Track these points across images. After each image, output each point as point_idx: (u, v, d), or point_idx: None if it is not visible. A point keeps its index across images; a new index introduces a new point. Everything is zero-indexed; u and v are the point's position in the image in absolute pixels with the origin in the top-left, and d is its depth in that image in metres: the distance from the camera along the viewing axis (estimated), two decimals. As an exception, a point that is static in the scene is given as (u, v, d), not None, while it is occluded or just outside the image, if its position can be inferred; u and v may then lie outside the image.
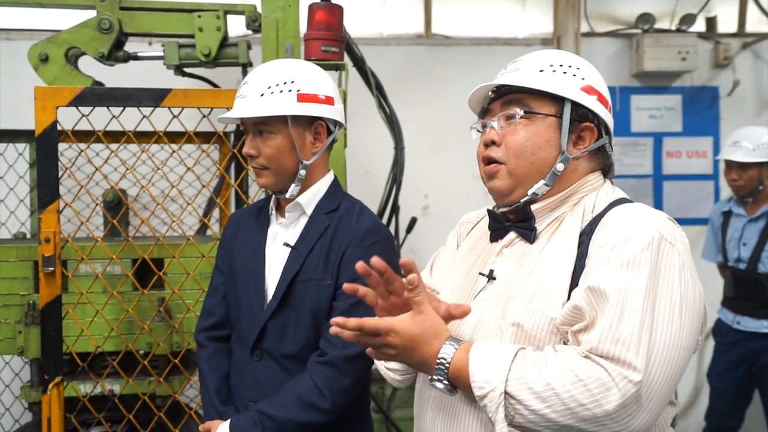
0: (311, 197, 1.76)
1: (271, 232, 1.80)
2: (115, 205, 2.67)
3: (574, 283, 1.19)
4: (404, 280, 1.17)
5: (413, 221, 3.34)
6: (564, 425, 1.06)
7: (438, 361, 1.15)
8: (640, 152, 4.32)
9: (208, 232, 3.11)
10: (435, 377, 1.16)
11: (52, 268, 2.17)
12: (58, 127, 2.21)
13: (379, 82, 3.00)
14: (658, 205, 4.27)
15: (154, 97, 2.23)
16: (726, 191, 3.90)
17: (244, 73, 2.95)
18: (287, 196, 1.74)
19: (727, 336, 3.32)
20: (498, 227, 1.36)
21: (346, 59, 2.64)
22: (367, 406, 1.88)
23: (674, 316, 1.10)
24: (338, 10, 2.49)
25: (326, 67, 2.00)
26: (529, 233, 1.29)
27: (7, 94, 3.51)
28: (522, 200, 1.30)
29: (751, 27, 4.43)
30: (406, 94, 3.83)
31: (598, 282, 1.11)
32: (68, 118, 2.28)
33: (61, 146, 2.36)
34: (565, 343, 1.16)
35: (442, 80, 4.12)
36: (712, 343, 3.53)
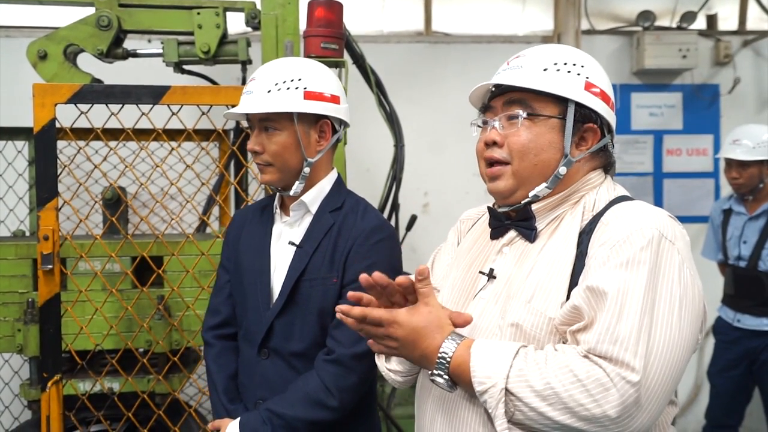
0: (315, 195, 1.77)
1: (276, 231, 1.80)
2: (114, 203, 2.67)
3: (573, 283, 1.18)
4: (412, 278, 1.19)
5: (413, 219, 3.33)
6: (563, 424, 1.06)
7: (439, 355, 1.15)
8: (641, 150, 4.31)
9: (208, 230, 3.11)
10: (435, 371, 1.16)
11: (50, 266, 2.16)
12: (57, 125, 2.20)
13: (379, 79, 3.00)
14: (658, 202, 4.27)
15: (153, 95, 2.22)
16: (726, 189, 3.90)
17: (244, 71, 2.95)
18: (291, 193, 1.74)
19: (727, 334, 3.31)
20: (498, 225, 1.35)
21: (346, 56, 2.63)
22: (374, 403, 1.89)
23: (674, 315, 1.10)
24: (338, 7, 2.48)
25: (326, 65, 1.99)
26: (529, 232, 1.29)
27: (6, 92, 3.50)
28: (523, 201, 1.29)
29: (751, 24, 4.43)
30: (406, 91, 3.82)
31: (597, 282, 1.10)
32: (67, 116, 2.28)
33: (60, 144, 2.35)
34: (564, 343, 1.15)
35: (443, 78, 4.11)
36: (712, 340, 3.53)
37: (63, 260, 2.29)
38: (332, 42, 2.44)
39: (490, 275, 1.31)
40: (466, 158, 3.98)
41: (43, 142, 2.19)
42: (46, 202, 2.18)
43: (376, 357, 1.51)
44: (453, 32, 4.26)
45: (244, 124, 2.30)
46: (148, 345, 2.38)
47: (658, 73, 4.22)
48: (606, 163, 1.35)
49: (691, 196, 4.30)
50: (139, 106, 2.26)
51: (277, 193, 1.83)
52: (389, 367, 1.45)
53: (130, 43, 2.73)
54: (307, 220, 1.77)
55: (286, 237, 1.77)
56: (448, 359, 1.14)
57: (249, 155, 3.14)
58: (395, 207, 3.11)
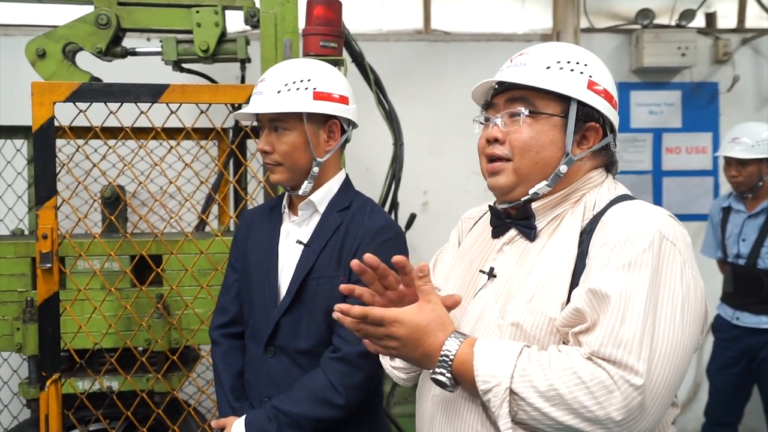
0: (324, 195, 1.78)
1: (284, 230, 1.82)
2: (113, 202, 2.66)
3: (574, 283, 1.18)
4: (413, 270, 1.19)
5: (412, 217, 3.33)
6: (567, 425, 1.05)
7: (442, 354, 1.14)
8: (640, 148, 4.31)
9: (207, 229, 3.11)
10: (438, 370, 1.15)
11: (49, 265, 2.16)
12: (56, 123, 2.20)
13: (378, 77, 2.99)
14: (657, 200, 4.27)
15: (152, 93, 2.22)
16: (725, 187, 3.90)
17: (243, 69, 2.94)
18: (300, 193, 1.76)
19: (726, 332, 3.32)
20: (499, 224, 1.35)
21: (345, 55, 2.63)
22: (380, 402, 1.89)
23: (676, 317, 1.09)
24: (337, 6, 2.48)
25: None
26: (529, 231, 1.28)
27: (5, 90, 3.50)
28: (522, 199, 1.29)
29: (750, 23, 4.42)
30: (405, 90, 3.82)
31: (600, 284, 1.10)
32: (66, 114, 2.27)
33: (59, 142, 2.35)
34: (565, 344, 1.15)
35: (442, 76, 4.11)
36: (711, 338, 3.53)
37: (62, 259, 2.29)
38: (331, 40, 2.43)
39: (491, 274, 1.30)
40: (466, 157, 4.00)
41: (42, 141, 2.18)
42: (44, 201, 2.18)
43: (381, 358, 1.51)
44: (452, 30, 4.26)
45: (244, 123, 2.30)
46: (147, 344, 2.38)
47: (657, 71, 4.22)
48: (608, 162, 1.35)
49: (690, 195, 4.30)
50: (138, 104, 2.26)
51: (286, 193, 1.84)
52: (393, 365, 1.45)
53: (129, 42, 2.72)
54: (315, 219, 1.78)
55: (294, 236, 1.79)
56: (451, 357, 1.13)
57: (248, 154, 3.15)
58: (394, 206, 3.10)
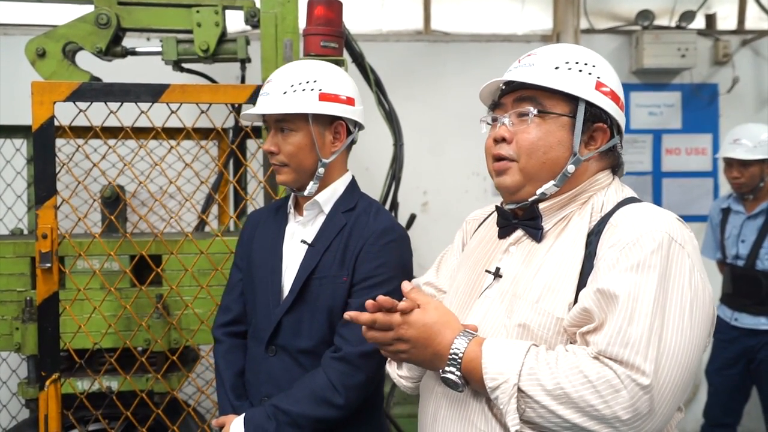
0: (329, 196, 1.79)
1: (289, 230, 1.83)
2: (113, 202, 2.66)
3: (581, 284, 1.18)
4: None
5: (412, 218, 3.33)
6: (574, 423, 1.06)
7: (452, 352, 1.16)
8: (640, 149, 4.31)
9: (207, 229, 3.10)
10: (447, 369, 1.16)
11: (49, 264, 2.16)
12: (56, 123, 2.20)
13: (378, 78, 2.99)
14: (657, 202, 4.27)
15: (152, 93, 2.22)
16: (725, 188, 3.90)
17: (243, 69, 2.94)
18: (305, 193, 1.76)
19: (725, 333, 3.32)
20: (506, 224, 1.35)
21: (346, 55, 2.63)
22: (381, 402, 1.89)
23: (684, 319, 1.09)
24: (337, 6, 2.47)
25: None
26: (536, 232, 1.28)
27: (5, 89, 3.50)
28: (530, 199, 1.29)
29: (750, 24, 4.43)
30: (405, 90, 3.82)
31: (608, 284, 1.10)
32: (66, 114, 2.27)
33: (59, 142, 2.35)
34: (572, 344, 1.15)
35: (442, 76, 4.11)
36: (710, 339, 3.53)
37: (61, 259, 2.29)
38: (332, 40, 2.43)
39: (496, 274, 1.30)
40: (466, 157, 4.03)
41: (42, 140, 2.18)
42: (44, 201, 2.18)
43: (387, 363, 1.51)
44: (452, 31, 4.26)
45: (245, 123, 2.30)
46: (146, 344, 2.37)
47: (657, 72, 4.22)
48: (614, 164, 1.35)
49: (690, 196, 4.30)
50: (138, 104, 2.26)
51: (292, 194, 1.85)
52: (400, 374, 1.46)
53: (129, 41, 2.72)
54: (320, 219, 1.79)
55: (298, 236, 1.79)
56: (460, 356, 1.15)
57: (248, 154, 3.15)
58: (394, 206, 3.10)
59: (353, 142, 1.84)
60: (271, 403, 1.68)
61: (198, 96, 2.26)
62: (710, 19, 4.38)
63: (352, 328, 1.65)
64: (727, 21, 4.44)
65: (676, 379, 1.07)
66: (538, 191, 1.27)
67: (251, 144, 3.22)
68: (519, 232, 1.32)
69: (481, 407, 1.20)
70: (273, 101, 1.71)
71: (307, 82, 1.72)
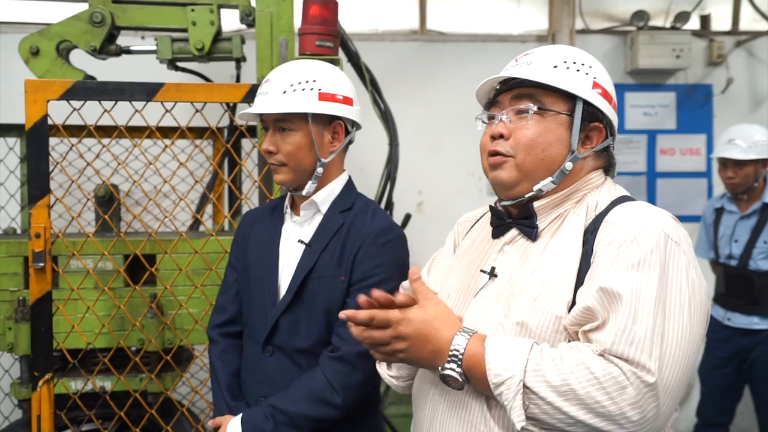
0: (326, 196, 1.79)
1: (286, 230, 1.82)
2: (107, 201, 2.65)
3: (579, 282, 1.18)
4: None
5: (407, 218, 3.33)
6: (579, 420, 1.06)
7: (452, 349, 1.15)
8: (634, 149, 4.32)
9: (201, 228, 3.09)
10: (448, 366, 1.15)
11: (42, 264, 2.15)
12: (49, 121, 2.19)
13: (373, 77, 2.99)
14: (651, 202, 4.23)
15: (147, 92, 2.21)
16: (719, 188, 3.92)
17: (238, 68, 2.93)
18: (303, 193, 1.76)
19: (717, 332, 3.33)
20: (500, 223, 1.35)
21: (341, 54, 2.63)
22: (378, 402, 1.89)
23: (684, 316, 1.10)
24: (333, 5, 2.47)
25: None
26: (531, 231, 1.29)
27: (-2, 88, 3.47)
28: (526, 195, 1.29)
29: (744, 25, 4.45)
30: (400, 89, 3.82)
31: (610, 283, 1.10)
32: (59, 112, 2.26)
33: (53, 141, 2.33)
34: (571, 341, 1.15)
35: (437, 76, 4.11)
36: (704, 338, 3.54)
37: (55, 258, 2.28)
38: (327, 40, 2.43)
39: (492, 273, 1.30)
40: (461, 157, 4.03)
41: (35, 139, 2.17)
42: (37, 200, 2.16)
43: (377, 364, 1.51)
44: (448, 31, 4.26)
45: (239, 122, 2.29)
46: (140, 344, 2.36)
47: (651, 72, 4.23)
48: (607, 164, 1.36)
49: (684, 196, 4.32)
50: (133, 103, 2.25)
51: (288, 193, 1.84)
52: (390, 374, 1.46)
53: (123, 40, 2.71)
54: (317, 219, 1.79)
55: (295, 236, 1.79)
56: (461, 352, 1.14)
57: (243, 153, 3.14)
58: (389, 206, 3.10)
59: (350, 142, 1.83)
60: (268, 403, 1.68)
61: (193, 95, 2.25)
62: (705, 20, 4.39)
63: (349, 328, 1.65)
64: (721, 22, 4.46)
65: (678, 376, 1.07)
66: (536, 187, 1.28)
67: (246, 143, 3.21)
68: (513, 232, 1.33)
69: (480, 409, 1.20)
70: (272, 101, 1.71)
71: (307, 82, 1.72)
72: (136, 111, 2.27)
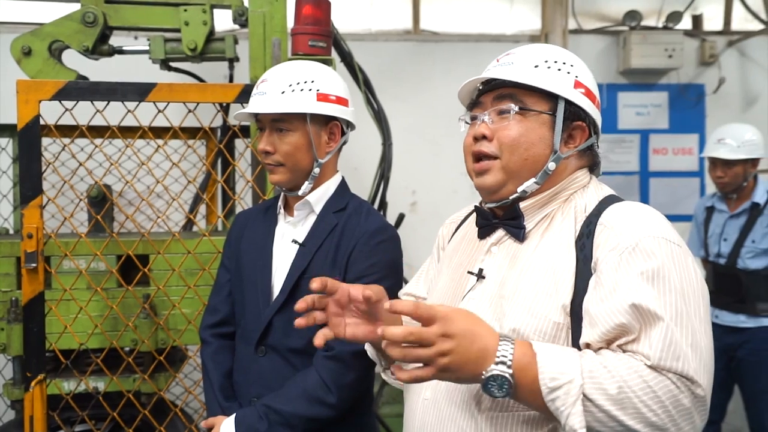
0: (320, 196, 1.79)
1: (279, 231, 1.82)
2: (100, 201, 2.64)
3: (578, 287, 1.16)
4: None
5: (401, 217, 3.33)
6: (632, 429, 1.03)
7: (500, 350, 1.05)
8: (627, 149, 4.34)
9: (194, 228, 3.09)
10: (496, 367, 1.04)
11: (34, 265, 2.14)
12: (41, 122, 2.18)
13: (366, 77, 2.99)
14: (644, 201, 4.25)
15: (139, 92, 2.21)
16: (711, 188, 3.93)
17: (231, 68, 2.93)
18: (300, 193, 1.76)
19: (706, 330, 3.35)
20: (486, 224, 1.34)
21: (334, 54, 2.63)
22: (371, 402, 1.89)
23: (704, 323, 1.09)
24: (326, 5, 2.47)
25: (313, 62, 1.98)
26: (518, 231, 1.27)
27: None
28: (511, 197, 1.28)
29: (736, 25, 4.47)
30: (394, 90, 3.82)
31: (639, 299, 1.07)
32: (52, 113, 2.26)
33: (45, 141, 2.33)
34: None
35: (430, 76, 4.12)
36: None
37: (47, 258, 2.27)
38: (320, 40, 2.43)
39: (479, 275, 1.29)
40: (454, 157, 3.99)
41: (27, 139, 2.16)
42: (30, 200, 2.16)
43: (382, 372, 1.50)
44: (441, 31, 4.27)
45: (232, 122, 2.29)
46: (133, 344, 2.36)
47: (644, 72, 4.25)
48: (592, 163, 1.35)
49: (676, 195, 4.34)
50: (125, 103, 2.24)
51: (282, 194, 1.84)
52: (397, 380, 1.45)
53: (116, 40, 2.71)
54: (311, 219, 1.79)
55: (289, 236, 1.79)
56: (511, 352, 1.05)
57: (236, 153, 3.14)
58: (383, 205, 3.11)
59: (344, 142, 1.84)
60: (262, 403, 1.67)
61: (185, 95, 2.25)
62: (697, 19, 4.41)
63: None
64: (713, 22, 4.48)
65: (711, 379, 1.07)
66: (519, 189, 1.27)
67: (239, 143, 3.21)
68: (500, 232, 1.31)
69: (470, 414, 1.19)
70: (271, 101, 1.71)
71: (305, 83, 1.72)
72: (129, 111, 2.27)
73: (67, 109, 2.25)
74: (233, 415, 1.70)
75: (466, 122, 1.37)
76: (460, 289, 1.32)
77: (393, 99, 3.54)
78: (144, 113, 2.29)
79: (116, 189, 2.88)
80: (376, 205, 3.08)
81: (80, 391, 2.36)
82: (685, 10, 4.29)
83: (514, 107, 1.26)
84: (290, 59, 2.30)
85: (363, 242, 1.72)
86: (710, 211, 3.44)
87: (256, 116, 1.77)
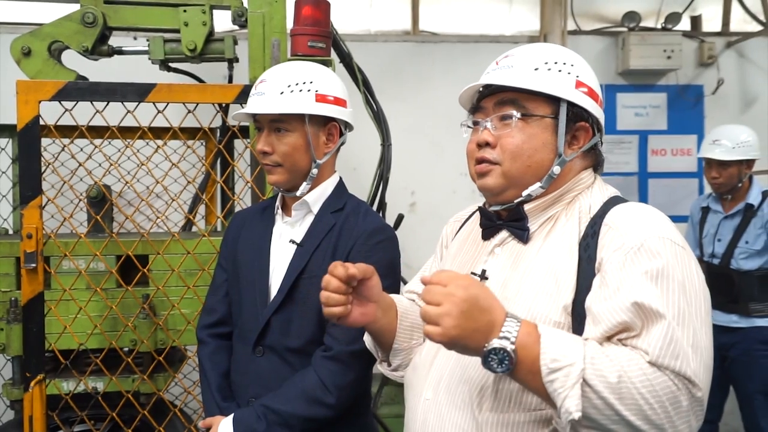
0: (318, 196, 1.79)
1: (277, 231, 1.82)
2: (99, 201, 2.64)
3: (580, 287, 1.16)
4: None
5: (400, 218, 3.33)
6: (628, 421, 1.02)
7: (505, 326, 1.05)
8: (626, 150, 4.34)
9: (194, 229, 3.09)
10: (498, 341, 1.04)
11: (34, 265, 2.14)
12: (41, 122, 2.18)
13: (366, 78, 2.99)
14: (643, 202, 4.30)
15: (139, 92, 2.21)
16: (710, 189, 3.94)
17: (231, 69, 2.93)
18: (298, 194, 1.77)
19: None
20: (490, 225, 1.34)
21: (333, 55, 2.63)
22: (369, 402, 1.90)
23: (705, 324, 1.10)
24: (325, 6, 2.48)
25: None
26: (522, 233, 1.27)
27: (-11, 88, 3.46)
28: (516, 201, 1.28)
29: (735, 26, 4.47)
30: (393, 90, 3.83)
31: (642, 297, 1.07)
32: (51, 113, 2.26)
33: (45, 141, 2.33)
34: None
35: (430, 77, 4.12)
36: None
37: (47, 259, 2.27)
38: (319, 40, 2.43)
39: (482, 276, 1.29)
40: (454, 157, 4.02)
41: (27, 140, 2.17)
42: (29, 200, 2.16)
43: (378, 364, 1.51)
44: (440, 31, 4.27)
45: (231, 122, 2.29)
46: (132, 344, 2.36)
47: (643, 73, 4.26)
48: (596, 162, 1.35)
49: (675, 196, 4.34)
50: (125, 103, 2.25)
51: (279, 194, 1.84)
52: (391, 369, 1.45)
53: (115, 41, 2.71)
54: (309, 220, 1.79)
55: (286, 236, 1.79)
56: (516, 329, 1.05)
57: (235, 153, 3.14)
58: (382, 206, 3.10)
59: (342, 143, 1.84)
60: (260, 403, 1.67)
61: (185, 95, 2.25)
62: (695, 21, 4.42)
63: (342, 327, 1.65)
64: (712, 23, 4.48)
65: (709, 379, 1.07)
66: (524, 193, 1.26)
67: (238, 144, 3.21)
68: (504, 233, 1.31)
69: (469, 413, 1.19)
70: (270, 101, 1.71)
71: (304, 83, 1.72)
72: (128, 112, 2.27)
73: (66, 110, 2.25)
74: (231, 416, 1.70)
75: (468, 127, 1.36)
76: None
77: (392, 100, 3.54)
78: (143, 114, 2.29)
79: (116, 189, 2.87)
80: (375, 206, 3.08)
81: (79, 391, 2.36)
82: (684, 11, 4.30)
83: (516, 113, 1.26)
84: (289, 60, 2.31)
85: (361, 242, 1.72)
86: (705, 211, 3.46)
87: (255, 116, 1.77)
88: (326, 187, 1.81)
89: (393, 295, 1.49)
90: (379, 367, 1.52)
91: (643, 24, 4.26)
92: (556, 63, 1.28)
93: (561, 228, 1.25)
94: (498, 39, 4.24)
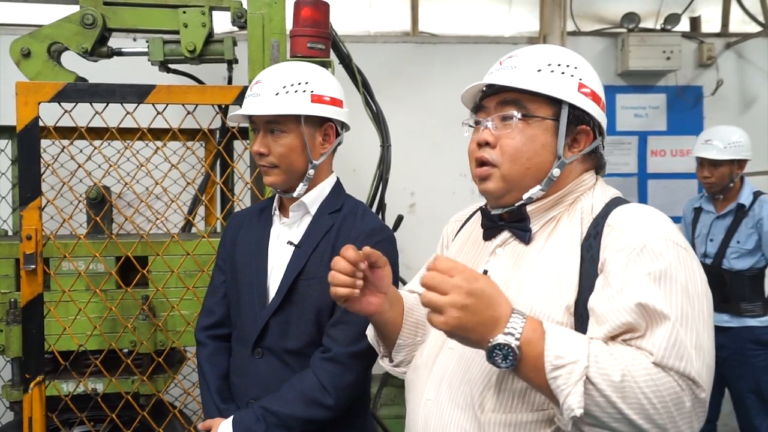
0: (315, 197, 1.79)
1: (274, 232, 1.82)
2: (99, 203, 2.64)
3: (583, 287, 1.16)
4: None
5: (399, 219, 3.33)
6: (629, 419, 1.02)
7: (511, 321, 1.05)
8: (625, 151, 4.35)
9: (193, 230, 3.09)
10: (502, 337, 1.04)
11: (33, 266, 2.15)
12: (41, 123, 2.19)
13: (365, 79, 2.99)
14: (642, 203, 4.30)
15: (138, 94, 2.21)
16: (707, 190, 3.96)
17: (230, 70, 2.93)
18: (295, 194, 1.76)
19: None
20: (491, 226, 1.34)
21: (333, 56, 2.63)
22: (368, 403, 1.90)
23: (708, 325, 1.10)
24: (324, 7, 2.48)
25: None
26: (524, 234, 1.27)
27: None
28: (516, 204, 1.28)
29: (734, 27, 4.48)
30: (392, 91, 3.83)
31: (646, 298, 1.07)
32: (51, 114, 2.26)
33: (44, 143, 2.33)
34: None
35: (429, 78, 4.12)
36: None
37: (46, 260, 2.27)
38: (319, 42, 2.43)
39: None
40: (453, 158, 4.04)
41: (27, 141, 2.17)
42: (29, 202, 2.16)
43: (380, 359, 1.50)
44: (440, 33, 4.28)
45: (231, 124, 2.30)
46: (132, 345, 2.36)
47: (642, 74, 4.26)
48: (597, 165, 1.35)
49: (674, 197, 4.34)
50: (124, 105, 2.25)
51: (276, 195, 1.84)
52: (393, 365, 1.45)
53: (115, 42, 2.71)
54: (306, 220, 1.79)
55: (284, 238, 1.79)
56: (521, 325, 1.05)
57: (235, 155, 3.14)
58: (381, 207, 3.10)
59: (339, 143, 1.84)
60: (260, 405, 1.67)
61: (184, 97, 2.25)
62: (695, 21, 4.42)
63: (341, 329, 1.66)
64: (711, 24, 4.49)
65: (711, 380, 1.07)
66: (524, 196, 1.26)
67: (238, 145, 3.21)
68: (505, 234, 1.31)
69: (473, 415, 1.19)
70: (265, 102, 1.71)
71: (299, 84, 1.71)
72: (128, 113, 2.27)
73: (66, 111, 2.25)
74: (231, 417, 1.69)
75: (470, 126, 1.36)
76: None
77: (392, 100, 3.54)
78: (143, 115, 2.30)
79: (115, 190, 2.88)
80: (374, 207, 3.08)
81: (79, 392, 2.36)
82: (683, 12, 4.30)
83: (517, 114, 1.25)
84: (289, 61, 2.31)
85: (359, 243, 1.71)
86: (698, 211, 3.48)
87: (250, 118, 1.77)
88: (323, 188, 1.81)
89: (401, 291, 1.49)
90: (381, 362, 1.51)
91: (642, 25, 4.27)
92: (559, 65, 1.28)
93: (563, 229, 1.25)
94: (497, 40, 4.24)
